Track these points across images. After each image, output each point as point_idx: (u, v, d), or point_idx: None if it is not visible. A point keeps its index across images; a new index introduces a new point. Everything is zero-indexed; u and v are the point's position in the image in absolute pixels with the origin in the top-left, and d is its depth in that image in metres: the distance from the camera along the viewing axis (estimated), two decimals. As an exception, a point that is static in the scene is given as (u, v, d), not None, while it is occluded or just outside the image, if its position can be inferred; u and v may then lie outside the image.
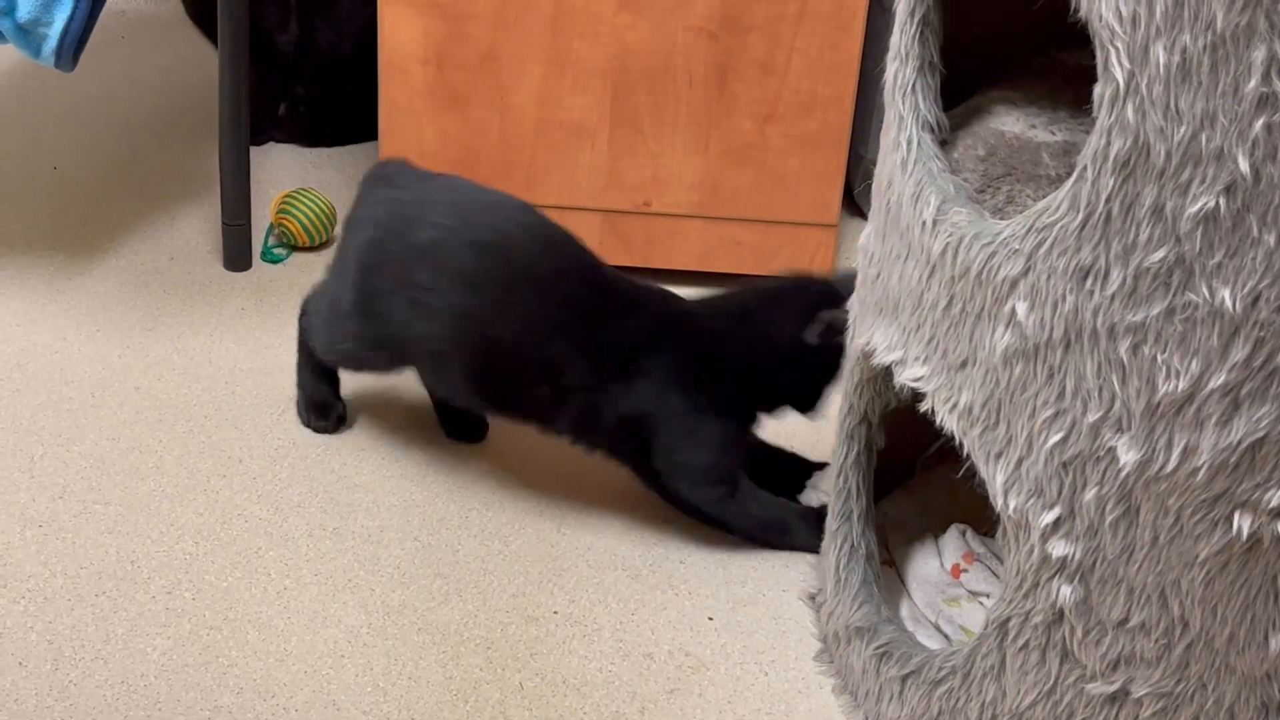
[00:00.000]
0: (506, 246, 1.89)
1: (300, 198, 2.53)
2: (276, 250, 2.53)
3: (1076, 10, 1.29)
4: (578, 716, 1.69)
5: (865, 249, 1.67)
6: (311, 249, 2.55)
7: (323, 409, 2.11)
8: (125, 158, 2.80)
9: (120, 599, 1.79)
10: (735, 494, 1.94)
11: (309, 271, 2.49)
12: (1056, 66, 1.70)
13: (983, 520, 1.74)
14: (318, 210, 2.53)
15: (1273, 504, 1.30)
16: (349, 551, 1.90)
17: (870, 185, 1.69)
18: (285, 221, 2.51)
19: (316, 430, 2.10)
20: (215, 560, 1.87)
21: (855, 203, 2.75)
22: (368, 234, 1.96)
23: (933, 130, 1.55)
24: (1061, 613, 1.44)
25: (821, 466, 2.05)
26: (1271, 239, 1.21)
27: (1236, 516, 1.31)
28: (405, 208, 1.94)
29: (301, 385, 2.11)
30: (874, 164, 1.66)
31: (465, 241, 1.89)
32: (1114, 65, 1.25)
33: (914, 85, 1.54)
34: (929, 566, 1.82)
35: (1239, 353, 1.26)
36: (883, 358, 1.60)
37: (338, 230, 2.58)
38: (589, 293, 1.93)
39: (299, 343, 2.11)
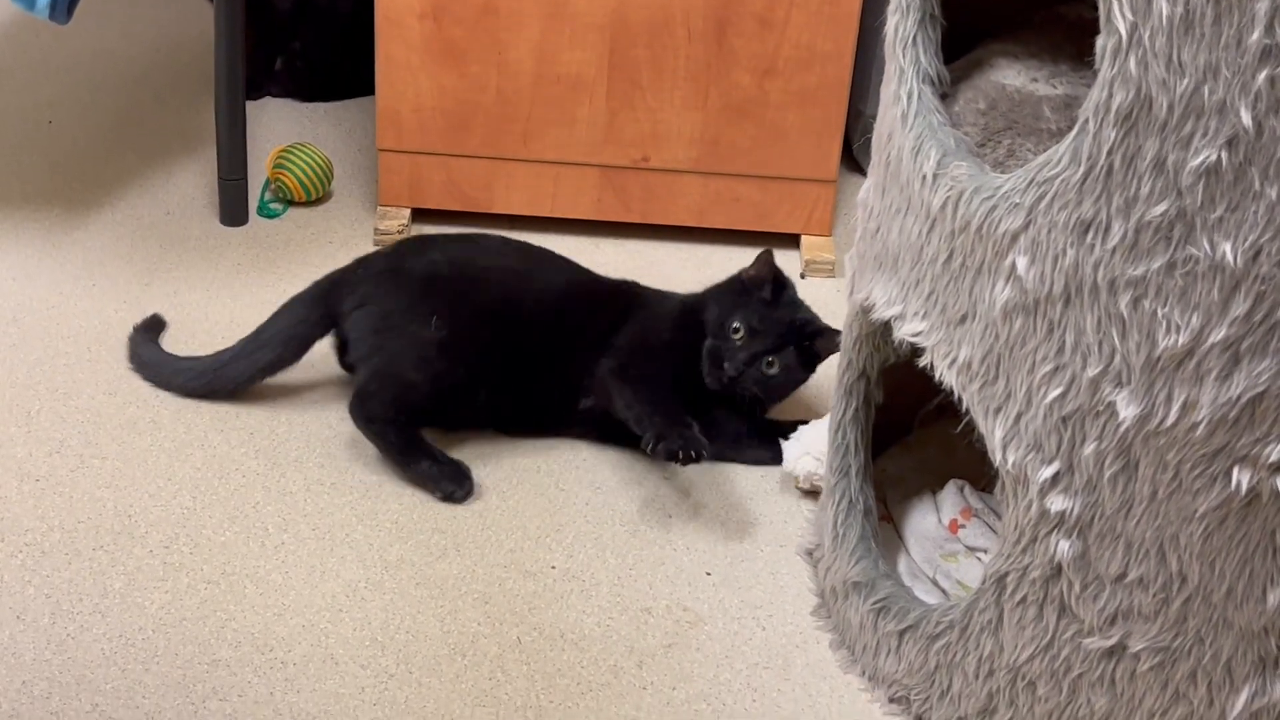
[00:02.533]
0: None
1: (296, 152, 2.52)
2: (273, 205, 2.52)
3: (1079, -39, 1.28)
4: (576, 670, 1.70)
5: (864, 203, 1.66)
6: (308, 204, 2.54)
7: (456, 475, 1.95)
8: (121, 112, 2.79)
9: (118, 553, 1.80)
10: (641, 382, 1.98)
11: (306, 227, 2.48)
12: (1058, 20, 1.69)
13: (980, 476, 1.74)
14: (314, 165, 2.52)
15: (1272, 459, 1.29)
16: (347, 506, 1.90)
17: (869, 140, 1.68)
18: (282, 176, 2.50)
19: (460, 499, 1.94)
20: (213, 515, 1.87)
21: (854, 159, 2.74)
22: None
23: (933, 83, 1.54)
24: (1059, 567, 1.44)
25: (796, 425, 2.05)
26: (1273, 192, 1.21)
27: (1235, 471, 1.31)
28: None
29: (421, 472, 1.95)
30: (873, 119, 1.65)
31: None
32: (1116, 17, 1.24)
33: (915, 38, 1.53)
34: (927, 522, 1.82)
35: (1239, 307, 1.25)
36: (882, 313, 1.60)
37: (333, 186, 2.58)
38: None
39: (395, 436, 1.97)
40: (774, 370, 2.00)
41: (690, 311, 2.06)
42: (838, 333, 1.93)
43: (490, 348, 1.99)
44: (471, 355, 1.98)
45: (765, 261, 2.03)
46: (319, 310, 2.04)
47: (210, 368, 2.05)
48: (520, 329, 2.02)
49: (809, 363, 2.04)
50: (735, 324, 1.99)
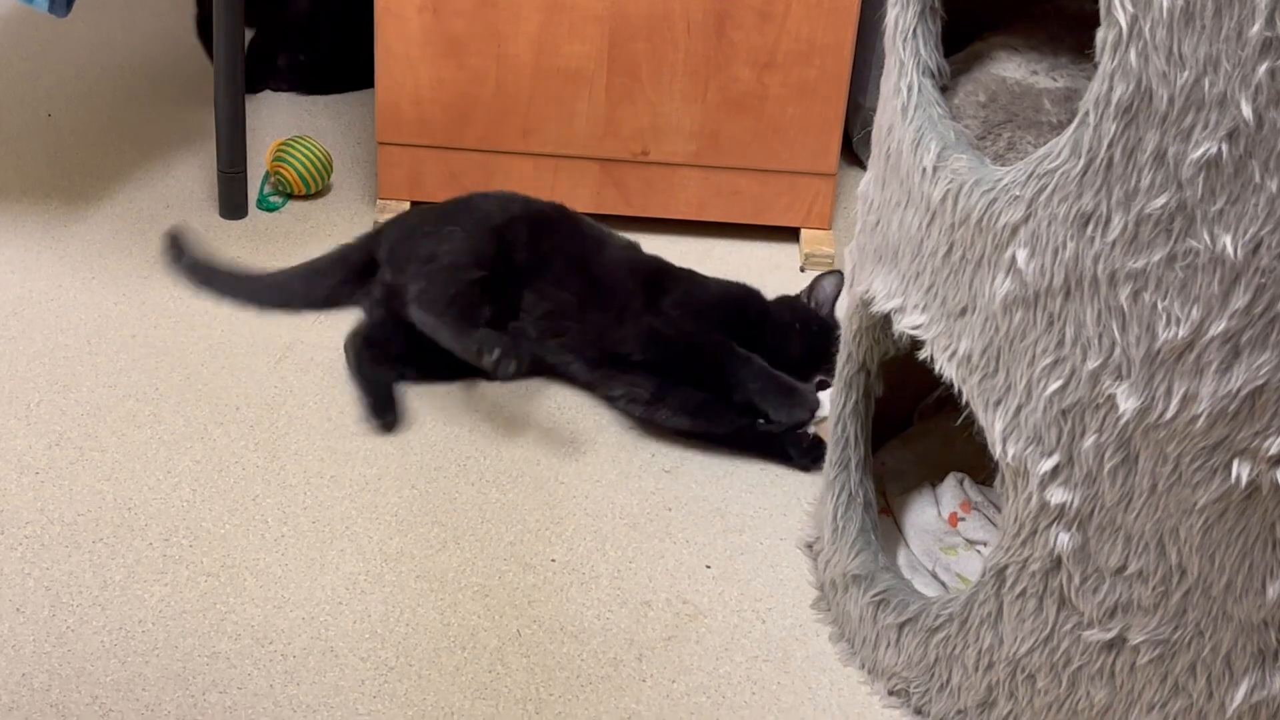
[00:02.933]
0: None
1: (296, 145, 2.52)
2: (273, 199, 2.52)
3: (1079, -46, 1.28)
4: (575, 663, 1.70)
5: (865, 196, 1.66)
6: (307, 197, 2.54)
7: (510, 344, 1.99)
8: (120, 104, 2.79)
9: (118, 546, 1.80)
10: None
11: (305, 220, 2.48)
12: (1058, 12, 1.69)
13: (980, 469, 1.74)
14: (314, 158, 2.51)
15: (1271, 452, 1.29)
16: (346, 499, 1.90)
17: (869, 133, 1.68)
18: (281, 169, 2.50)
19: (507, 369, 1.97)
20: (212, 507, 1.87)
21: (854, 152, 2.74)
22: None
23: (933, 76, 1.54)
24: (1059, 560, 1.45)
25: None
26: (1274, 185, 1.21)
27: (1235, 464, 1.31)
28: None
29: (477, 339, 1.99)
30: (873, 112, 1.65)
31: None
32: (1117, 9, 1.24)
33: (915, 30, 1.53)
34: (926, 515, 1.82)
35: (1240, 300, 1.25)
36: (881, 305, 1.60)
37: (333, 179, 2.57)
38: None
39: (455, 314, 2.04)
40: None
41: (755, 307, 2.16)
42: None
43: (520, 262, 2.11)
44: (498, 258, 2.09)
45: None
46: (364, 248, 2.21)
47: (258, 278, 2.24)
48: (556, 253, 2.14)
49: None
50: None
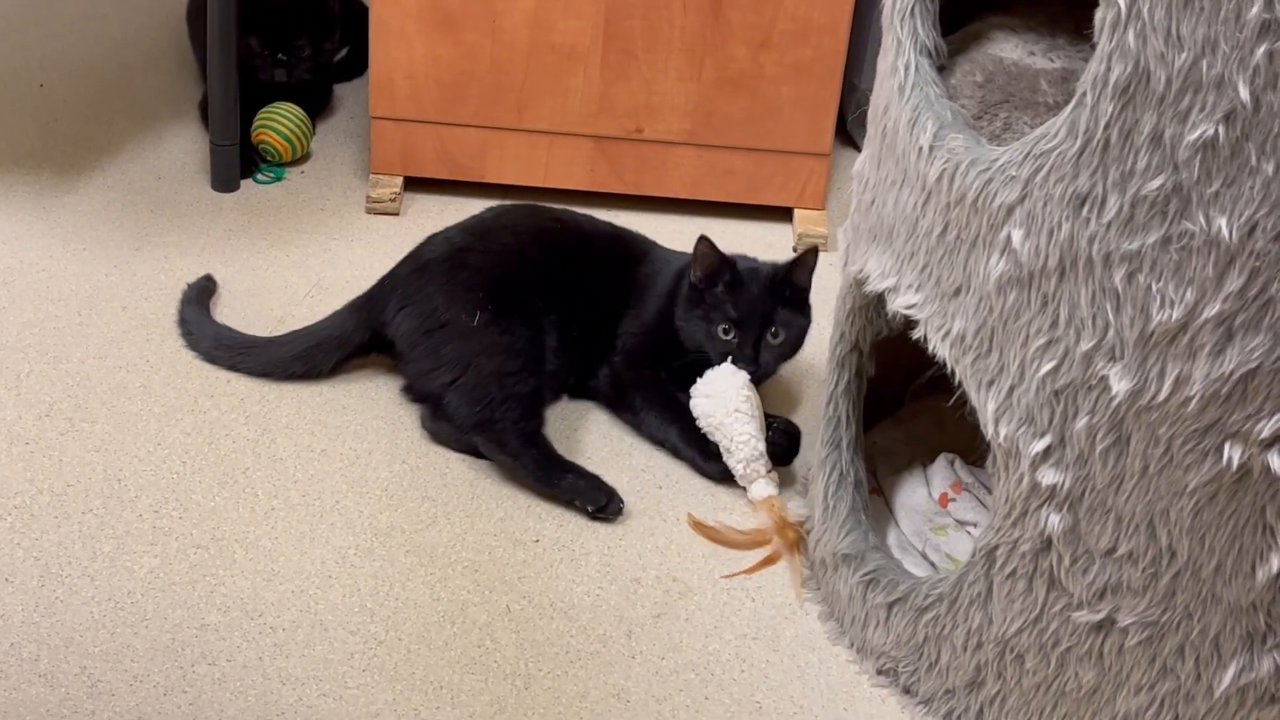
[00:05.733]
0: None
1: (274, 112, 2.50)
2: (260, 177, 2.49)
3: (1079, -66, 1.28)
4: (565, 639, 1.70)
5: (860, 175, 1.66)
6: (293, 162, 2.53)
7: (601, 488, 1.89)
8: (113, 76, 2.77)
9: (107, 517, 1.79)
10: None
11: (297, 194, 2.47)
12: (1056, -6, 1.69)
13: (971, 450, 1.75)
14: (294, 121, 2.50)
15: (1263, 435, 1.30)
16: (337, 473, 1.90)
17: (864, 114, 1.68)
18: (265, 137, 2.48)
19: (611, 514, 1.87)
20: (202, 480, 1.86)
21: (848, 132, 2.74)
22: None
23: (931, 55, 1.54)
24: (1049, 541, 1.45)
25: None
26: (1270, 168, 1.21)
27: (1227, 447, 1.31)
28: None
29: (565, 487, 1.89)
30: (868, 93, 1.65)
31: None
32: (1116, -10, 1.24)
33: (913, 9, 1.52)
34: (917, 495, 1.82)
35: (1234, 282, 1.25)
36: (875, 285, 1.60)
37: (327, 153, 2.56)
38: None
39: (527, 450, 1.90)
40: (780, 338, 1.96)
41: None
42: (806, 252, 1.96)
43: (536, 301, 2.00)
44: (523, 314, 1.98)
45: (707, 254, 1.97)
46: (359, 318, 2.03)
47: (243, 345, 2.06)
48: (558, 275, 2.05)
49: (800, 304, 1.98)
50: (721, 327, 1.95)
